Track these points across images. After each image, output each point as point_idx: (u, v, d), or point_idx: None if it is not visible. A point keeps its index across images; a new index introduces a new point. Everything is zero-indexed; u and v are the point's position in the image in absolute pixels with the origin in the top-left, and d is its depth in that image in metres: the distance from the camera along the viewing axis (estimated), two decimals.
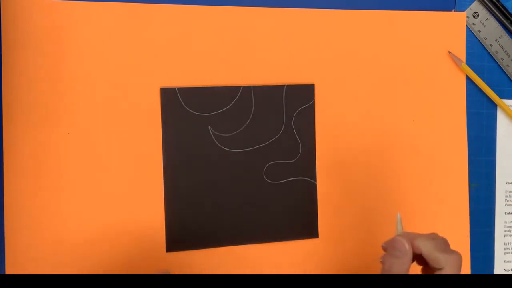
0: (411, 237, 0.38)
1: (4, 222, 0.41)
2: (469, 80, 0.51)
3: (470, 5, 0.51)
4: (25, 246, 0.42)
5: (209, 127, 0.45)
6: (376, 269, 0.48)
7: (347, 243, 0.48)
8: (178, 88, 0.44)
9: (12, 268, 0.41)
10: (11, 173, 0.41)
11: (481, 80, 0.50)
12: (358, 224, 0.48)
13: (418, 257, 0.38)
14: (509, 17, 0.50)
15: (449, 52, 0.50)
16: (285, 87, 0.46)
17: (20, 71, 0.42)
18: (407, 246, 0.37)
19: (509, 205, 0.52)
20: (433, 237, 0.39)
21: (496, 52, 0.51)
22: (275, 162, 0.46)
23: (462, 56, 0.50)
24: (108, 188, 0.43)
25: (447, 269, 0.36)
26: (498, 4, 0.50)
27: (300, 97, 0.47)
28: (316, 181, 0.47)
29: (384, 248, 0.40)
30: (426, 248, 0.37)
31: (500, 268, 0.51)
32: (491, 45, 0.51)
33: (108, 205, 0.43)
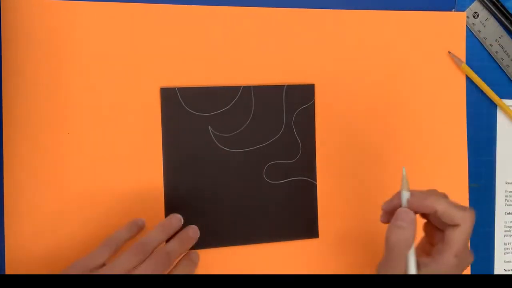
0: (420, 197, 0.37)
1: (4, 222, 0.41)
2: (469, 80, 0.51)
3: (470, 5, 0.51)
4: (25, 246, 0.42)
5: (209, 127, 0.45)
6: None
7: (347, 243, 0.48)
8: (178, 88, 0.44)
9: (12, 268, 0.41)
10: (11, 173, 0.41)
11: (481, 80, 0.50)
12: (358, 224, 0.48)
13: (427, 216, 0.37)
14: (509, 17, 0.50)
15: (449, 52, 0.50)
16: (285, 87, 0.46)
17: (20, 70, 0.42)
18: (413, 215, 0.36)
19: (509, 205, 0.52)
20: (443, 195, 0.37)
21: (496, 52, 0.51)
22: (275, 162, 0.46)
23: (462, 56, 0.50)
24: (108, 188, 0.43)
25: (463, 226, 0.35)
26: (498, 4, 0.50)
27: (300, 97, 0.47)
28: (316, 181, 0.47)
29: (384, 209, 0.38)
30: (442, 206, 0.36)
31: (500, 268, 0.51)
32: (491, 45, 0.51)
33: (108, 206, 0.43)
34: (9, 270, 0.41)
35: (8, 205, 0.41)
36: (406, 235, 0.36)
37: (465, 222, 0.36)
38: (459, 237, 0.36)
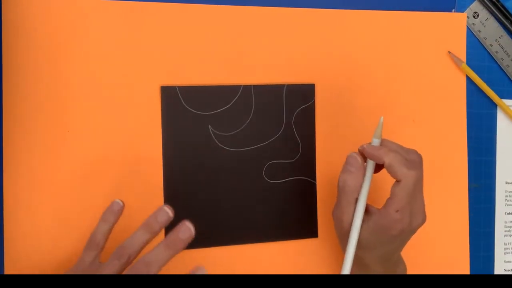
0: (375, 147, 0.39)
1: (3, 222, 0.41)
2: (469, 80, 0.51)
3: (470, 5, 0.51)
4: (24, 246, 0.41)
5: (209, 126, 0.45)
6: None
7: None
8: (178, 86, 0.44)
9: (11, 268, 0.41)
10: (11, 172, 0.41)
11: (481, 80, 0.50)
12: None
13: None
14: (509, 17, 0.50)
15: (449, 52, 0.50)
16: (285, 86, 0.46)
17: (20, 69, 0.41)
18: (359, 161, 0.39)
19: (509, 205, 0.52)
20: (397, 150, 0.39)
21: (496, 52, 0.51)
22: (275, 161, 0.46)
23: (463, 56, 0.50)
24: (108, 187, 0.43)
25: (404, 182, 0.37)
26: (498, 4, 0.50)
27: (300, 97, 0.47)
28: (316, 181, 0.47)
29: (359, 150, 0.40)
30: (389, 159, 0.38)
31: (500, 268, 0.51)
32: (491, 45, 0.51)
33: (108, 205, 0.43)
34: (8, 270, 0.41)
35: (7, 205, 0.41)
36: (352, 179, 0.39)
37: (407, 179, 0.37)
38: (400, 192, 0.37)
